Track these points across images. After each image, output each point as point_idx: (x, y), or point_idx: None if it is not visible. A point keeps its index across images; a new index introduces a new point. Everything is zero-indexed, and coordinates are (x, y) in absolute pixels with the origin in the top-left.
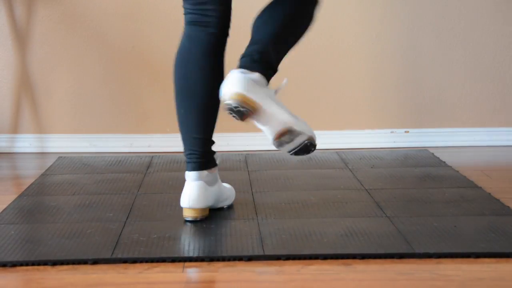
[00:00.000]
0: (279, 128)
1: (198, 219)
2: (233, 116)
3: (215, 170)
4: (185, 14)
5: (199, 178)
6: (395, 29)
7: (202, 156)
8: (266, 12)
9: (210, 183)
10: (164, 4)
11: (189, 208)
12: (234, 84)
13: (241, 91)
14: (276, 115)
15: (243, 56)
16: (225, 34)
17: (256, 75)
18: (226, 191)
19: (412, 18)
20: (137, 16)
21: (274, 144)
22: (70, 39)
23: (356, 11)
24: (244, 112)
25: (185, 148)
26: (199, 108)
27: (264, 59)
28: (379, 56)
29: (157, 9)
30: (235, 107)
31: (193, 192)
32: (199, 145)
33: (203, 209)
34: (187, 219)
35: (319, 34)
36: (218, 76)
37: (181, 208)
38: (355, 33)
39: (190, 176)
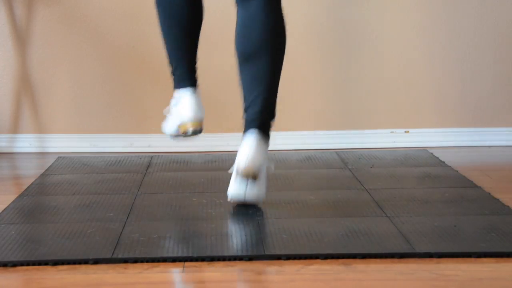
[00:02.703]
0: (253, 199)
1: (199, 131)
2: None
3: (199, 91)
4: None
5: (196, 93)
6: (395, 29)
7: (192, 74)
8: (249, 64)
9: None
10: None
11: (195, 120)
12: (251, 158)
13: (256, 169)
14: (260, 191)
15: (252, 122)
16: None
17: (266, 146)
18: None
19: (412, 18)
20: (137, 16)
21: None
22: (70, 39)
23: (356, 11)
24: (247, 179)
25: (174, 69)
26: (185, 34)
27: (271, 120)
28: (379, 56)
29: None
30: (245, 177)
31: (196, 104)
32: (188, 66)
33: (202, 122)
34: (190, 131)
35: (318, 34)
36: (199, 9)
37: (181, 208)
38: (355, 33)
39: (189, 91)
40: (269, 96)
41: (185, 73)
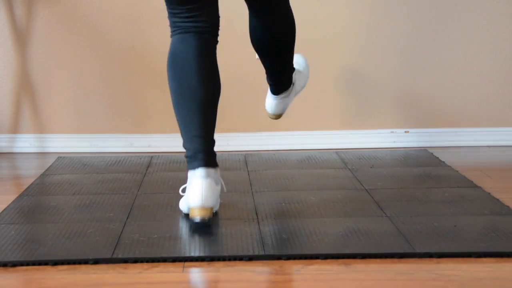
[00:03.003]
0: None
1: (207, 220)
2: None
3: (218, 170)
4: (174, 26)
5: (208, 176)
6: (395, 29)
7: (205, 153)
8: (262, 47)
9: (216, 182)
10: (164, 4)
11: (201, 207)
12: (275, 109)
13: (280, 112)
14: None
15: (274, 84)
16: (216, 39)
17: (289, 91)
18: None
19: (412, 18)
20: (137, 16)
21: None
22: (70, 39)
23: (356, 11)
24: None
25: (187, 147)
26: (199, 107)
27: (291, 76)
28: (379, 56)
29: (157, 9)
30: (203, 219)
31: (205, 190)
32: (202, 143)
33: (212, 209)
34: (197, 219)
35: (318, 34)
36: (214, 74)
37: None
38: (355, 33)
39: (199, 173)
40: (287, 67)
41: (199, 151)
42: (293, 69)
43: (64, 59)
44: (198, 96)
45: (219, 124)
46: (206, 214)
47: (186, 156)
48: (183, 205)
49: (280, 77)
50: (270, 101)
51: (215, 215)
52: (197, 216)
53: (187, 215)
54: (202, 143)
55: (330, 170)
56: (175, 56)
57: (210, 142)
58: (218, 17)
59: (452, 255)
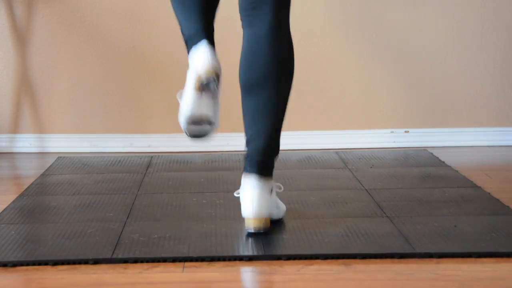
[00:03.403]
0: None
1: (214, 80)
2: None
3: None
4: None
5: (210, 46)
6: (395, 29)
7: (208, 31)
8: (252, 95)
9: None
10: (164, 4)
11: (209, 67)
12: (255, 205)
13: (262, 216)
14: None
15: (253, 160)
16: None
17: (269, 184)
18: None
19: (412, 18)
20: (137, 16)
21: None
22: (70, 39)
23: (356, 11)
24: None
25: (187, 30)
26: (199, 4)
27: (273, 158)
28: (379, 56)
29: (157, 9)
30: (258, 229)
31: (212, 53)
32: (203, 29)
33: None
34: (204, 78)
35: (319, 34)
36: None
37: (181, 208)
38: (355, 33)
39: (206, 42)
40: (272, 131)
41: (199, 30)
42: (278, 151)
43: (64, 59)
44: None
45: (219, 124)
46: (212, 73)
47: (186, 39)
48: (183, 106)
49: (268, 140)
50: (248, 194)
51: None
52: (203, 76)
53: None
54: (202, 23)
55: (330, 170)
56: None
57: (211, 26)
58: None
59: (452, 255)
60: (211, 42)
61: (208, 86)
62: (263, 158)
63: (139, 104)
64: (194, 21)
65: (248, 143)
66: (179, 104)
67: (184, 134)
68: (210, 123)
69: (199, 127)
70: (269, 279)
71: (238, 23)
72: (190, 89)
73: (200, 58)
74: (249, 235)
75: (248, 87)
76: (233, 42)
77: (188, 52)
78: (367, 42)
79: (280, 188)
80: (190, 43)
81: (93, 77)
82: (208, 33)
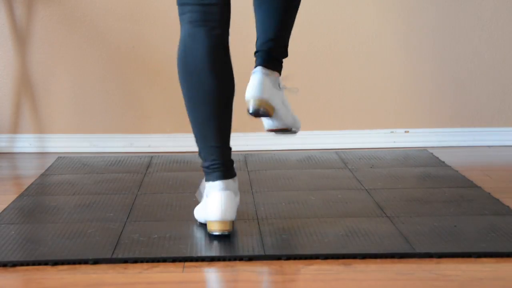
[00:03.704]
0: (280, 126)
1: (227, 233)
2: (249, 114)
3: (236, 180)
4: (182, 14)
5: (227, 188)
6: (395, 29)
7: (223, 164)
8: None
9: (235, 193)
10: (164, 4)
11: (221, 220)
12: (258, 89)
13: (264, 97)
14: (283, 118)
15: (261, 52)
16: (227, 31)
17: (275, 76)
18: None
19: (412, 18)
20: (137, 16)
21: (267, 130)
22: (70, 39)
23: (355, 11)
24: (261, 114)
25: (204, 158)
26: (215, 114)
27: (280, 55)
28: (379, 56)
29: (157, 9)
30: (256, 110)
31: (225, 203)
32: (220, 154)
33: (232, 222)
34: (216, 233)
35: (319, 34)
36: (228, 76)
37: (181, 208)
38: (355, 33)
39: (218, 186)
40: (281, 34)
41: (216, 162)
42: (286, 54)
43: (64, 59)
44: (214, 101)
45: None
46: (226, 228)
47: (203, 167)
48: (199, 215)
49: (278, 32)
50: (254, 79)
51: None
52: (216, 231)
53: (202, 225)
54: (220, 153)
55: (330, 170)
56: (185, 59)
57: (227, 151)
58: (229, 4)
59: (452, 255)
60: (232, 174)
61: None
62: (271, 51)
63: (139, 104)
64: (211, 151)
65: (258, 40)
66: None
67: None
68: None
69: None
70: (269, 279)
71: (238, 24)
72: (201, 220)
73: (214, 205)
74: (252, 113)
75: None
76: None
77: (206, 179)
78: (368, 42)
79: (296, 90)
80: (207, 175)
81: (93, 77)
82: (226, 167)
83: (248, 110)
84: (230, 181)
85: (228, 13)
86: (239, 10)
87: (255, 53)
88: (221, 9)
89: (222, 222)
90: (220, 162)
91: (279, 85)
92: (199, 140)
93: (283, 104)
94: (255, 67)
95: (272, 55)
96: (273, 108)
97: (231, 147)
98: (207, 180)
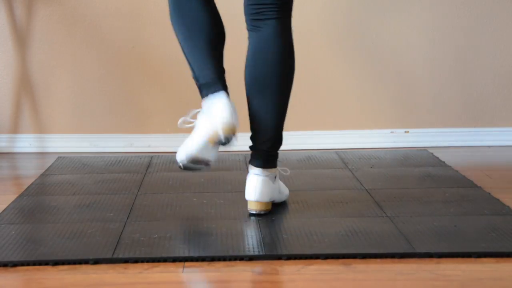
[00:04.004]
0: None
1: (230, 139)
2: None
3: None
4: None
5: (227, 97)
6: (394, 29)
7: (222, 78)
8: (261, 96)
9: (234, 109)
10: (164, 4)
11: (228, 125)
12: (260, 195)
13: (266, 200)
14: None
15: (260, 152)
16: None
17: (273, 172)
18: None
19: (411, 18)
20: (137, 16)
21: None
22: (70, 39)
23: (355, 12)
24: (262, 213)
25: (201, 76)
26: (209, 45)
27: (278, 148)
28: (379, 56)
29: (157, 9)
30: (258, 212)
31: (233, 108)
32: (216, 72)
33: (235, 127)
34: (222, 136)
35: (319, 35)
36: (218, 16)
37: (181, 208)
38: (355, 33)
39: (225, 95)
40: (279, 125)
41: (214, 77)
42: (281, 142)
43: (64, 59)
44: (207, 37)
45: None
46: (231, 132)
47: (200, 84)
48: (190, 146)
49: (272, 135)
50: (253, 182)
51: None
52: (221, 134)
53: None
54: (217, 72)
55: (330, 170)
56: (178, 8)
57: (222, 69)
58: None
59: (452, 255)
60: (227, 92)
61: (223, 143)
62: (270, 151)
63: (139, 104)
64: (208, 68)
65: (255, 136)
66: (185, 138)
67: (178, 159)
68: (207, 164)
69: (196, 165)
70: (269, 279)
71: (238, 24)
72: (202, 137)
73: (220, 112)
74: (252, 215)
75: (255, 85)
76: (232, 42)
77: (203, 96)
78: (367, 42)
79: (286, 171)
80: (205, 90)
81: (93, 77)
82: (224, 82)
83: (249, 211)
84: (226, 92)
85: None
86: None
87: (252, 148)
88: None
89: (229, 126)
90: (219, 74)
91: (275, 178)
92: (194, 65)
93: (279, 192)
94: (255, 166)
95: (271, 153)
96: (271, 204)
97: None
98: (205, 95)
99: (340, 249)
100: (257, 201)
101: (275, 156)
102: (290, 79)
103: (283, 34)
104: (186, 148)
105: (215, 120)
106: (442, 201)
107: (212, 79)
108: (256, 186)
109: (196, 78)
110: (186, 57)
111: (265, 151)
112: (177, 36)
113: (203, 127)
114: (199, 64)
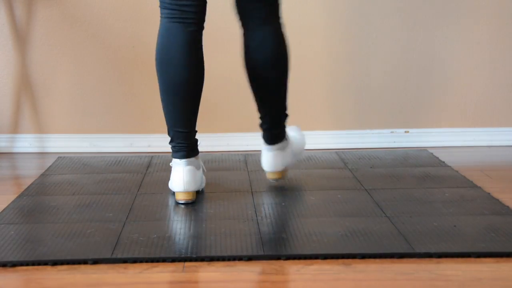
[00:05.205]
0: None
1: (190, 202)
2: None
3: (199, 157)
4: (162, 8)
5: (190, 164)
6: (395, 30)
7: (188, 146)
8: (259, 81)
9: (197, 167)
10: None
11: (184, 191)
12: (273, 164)
13: (279, 169)
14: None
15: (268, 128)
16: (202, 28)
17: (284, 144)
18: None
19: (412, 18)
20: (137, 16)
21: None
22: (70, 39)
23: (356, 12)
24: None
25: (172, 138)
26: (184, 103)
27: (284, 124)
28: (379, 56)
29: (157, 9)
30: (275, 180)
31: (186, 176)
32: (185, 137)
33: (194, 193)
34: (181, 202)
35: (319, 35)
36: (199, 70)
37: (181, 208)
38: (355, 33)
39: (182, 163)
40: (280, 107)
41: (183, 144)
42: (286, 116)
43: (64, 59)
44: (184, 92)
45: (219, 124)
46: (189, 197)
47: (171, 143)
48: (170, 185)
49: (276, 117)
50: (266, 155)
51: (200, 193)
52: (181, 200)
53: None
54: (186, 137)
55: (330, 170)
56: (162, 51)
57: (193, 134)
58: (206, 2)
59: (452, 255)
60: (195, 153)
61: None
62: (275, 133)
63: (139, 104)
64: (180, 130)
65: (264, 117)
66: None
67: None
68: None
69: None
70: (269, 279)
71: (236, 24)
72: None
73: (177, 179)
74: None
75: (254, 76)
76: (232, 42)
77: (171, 153)
78: (368, 42)
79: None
80: (173, 152)
81: (93, 77)
82: (192, 147)
83: (268, 178)
84: (193, 159)
85: (204, 12)
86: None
87: (262, 126)
88: (197, 9)
89: (185, 193)
90: (185, 144)
91: (287, 144)
92: (168, 123)
93: (293, 154)
94: (267, 144)
95: (279, 131)
96: (286, 170)
97: (196, 130)
98: (173, 156)
99: (339, 249)
100: (274, 171)
101: (283, 131)
102: (286, 70)
103: (274, 20)
104: (173, 184)
105: (173, 185)
106: (442, 201)
107: (180, 145)
108: (273, 156)
109: (168, 131)
110: (162, 106)
111: (271, 130)
112: (158, 81)
113: (171, 180)
114: (173, 122)
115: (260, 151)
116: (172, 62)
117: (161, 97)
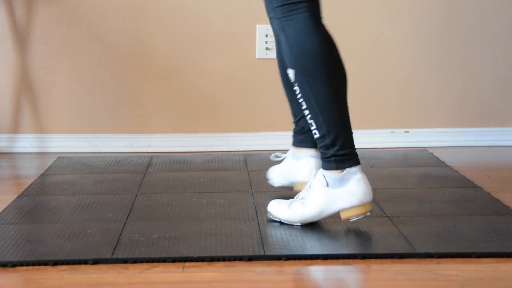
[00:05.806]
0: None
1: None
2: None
3: None
4: (304, 9)
5: (363, 171)
6: (395, 30)
7: (356, 149)
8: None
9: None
10: (164, 4)
11: (370, 202)
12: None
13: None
14: None
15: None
16: None
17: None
18: None
19: (412, 18)
20: (137, 16)
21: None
22: (70, 39)
23: (356, 12)
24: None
25: (340, 146)
26: (346, 103)
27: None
28: (379, 56)
29: (157, 9)
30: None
31: (369, 184)
32: (353, 140)
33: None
34: (361, 216)
35: None
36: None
37: (181, 208)
38: (355, 33)
39: (358, 170)
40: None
41: (353, 148)
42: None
43: (64, 59)
44: (346, 93)
45: (219, 124)
46: (370, 208)
47: (337, 152)
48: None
49: (308, 121)
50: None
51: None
52: (367, 211)
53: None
54: (353, 139)
55: None
56: (331, 52)
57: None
58: None
59: (452, 255)
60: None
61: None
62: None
63: (139, 104)
64: (350, 135)
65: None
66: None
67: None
68: None
69: None
70: (269, 279)
71: (237, 24)
72: (347, 213)
73: (365, 187)
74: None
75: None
76: (232, 42)
77: (337, 168)
78: (368, 42)
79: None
80: (344, 156)
81: (93, 77)
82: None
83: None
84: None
85: None
86: (235, 11)
87: (301, 131)
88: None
89: (368, 204)
90: (355, 147)
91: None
92: (342, 129)
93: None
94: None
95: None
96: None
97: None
98: (347, 166)
99: (340, 249)
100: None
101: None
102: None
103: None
104: (303, 214)
105: (361, 196)
106: (442, 201)
107: (351, 150)
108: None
109: (332, 143)
110: (332, 116)
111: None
112: (325, 87)
113: (351, 194)
114: (346, 126)
115: (260, 151)
116: (339, 62)
117: (331, 104)
